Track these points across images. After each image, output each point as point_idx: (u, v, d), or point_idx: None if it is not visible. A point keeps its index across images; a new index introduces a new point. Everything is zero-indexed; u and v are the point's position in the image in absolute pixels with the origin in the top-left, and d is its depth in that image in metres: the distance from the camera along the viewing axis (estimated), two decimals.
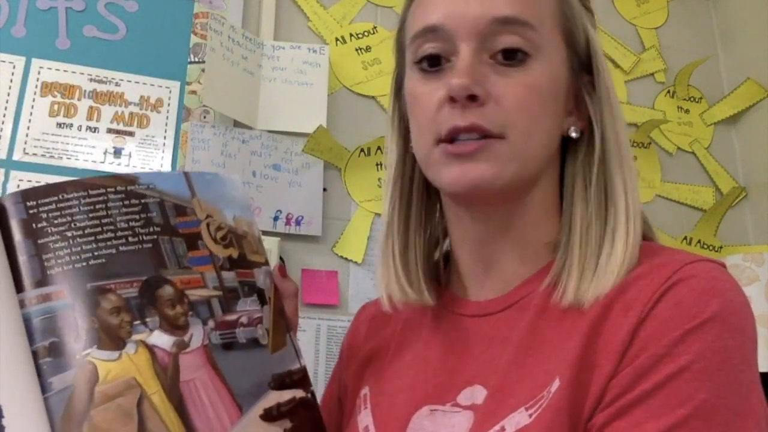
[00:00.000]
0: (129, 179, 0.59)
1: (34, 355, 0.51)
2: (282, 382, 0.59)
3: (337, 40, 1.60)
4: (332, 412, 0.74)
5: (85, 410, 0.50)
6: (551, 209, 0.62)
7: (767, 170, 1.65)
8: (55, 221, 0.55)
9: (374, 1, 1.65)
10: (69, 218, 0.55)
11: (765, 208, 1.67)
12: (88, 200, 0.56)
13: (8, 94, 1.33)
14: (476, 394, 0.56)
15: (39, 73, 1.36)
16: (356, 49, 1.61)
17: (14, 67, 1.35)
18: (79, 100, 1.37)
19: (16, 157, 1.31)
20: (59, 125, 1.35)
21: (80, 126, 1.36)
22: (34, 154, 1.32)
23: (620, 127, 0.60)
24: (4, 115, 1.32)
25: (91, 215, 0.56)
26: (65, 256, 0.54)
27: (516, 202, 0.60)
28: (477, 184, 0.56)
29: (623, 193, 0.58)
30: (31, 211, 0.55)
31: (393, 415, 0.61)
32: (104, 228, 0.56)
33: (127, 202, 0.58)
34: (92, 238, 0.55)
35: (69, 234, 0.55)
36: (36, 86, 1.35)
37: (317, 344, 1.40)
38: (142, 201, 0.58)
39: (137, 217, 0.58)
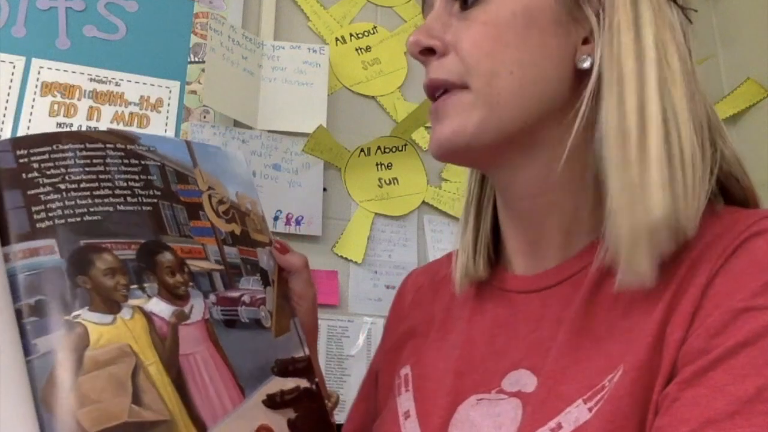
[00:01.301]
0: (129, 138, 0.55)
1: (18, 314, 0.46)
2: (285, 368, 0.55)
3: (337, 40, 1.60)
4: (370, 390, 0.70)
5: (73, 377, 0.44)
6: (592, 166, 0.52)
7: (767, 170, 1.65)
8: (48, 172, 0.50)
9: (374, 1, 1.65)
10: (63, 170, 0.51)
11: (765, 208, 1.66)
12: (84, 153, 0.52)
13: (8, 94, 1.33)
14: (523, 379, 0.51)
15: (39, 73, 1.36)
16: (356, 49, 1.61)
17: (14, 67, 1.35)
18: (79, 100, 1.37)
19: None
20: (59, 125, 1.35)
21: (80, 126, 1.36)
22: None
23: (642, 51, 0.49)
24: (4, 115, 1.32)
25: (87, 169, 0.52)
26: (57, 210, 0.49)
27: (521, 157, 0.53)
28: (441, 144, 0.53)
29: (655, 132, 0.47)
30: (21, 160, 0.50)
31: (438, 402, 0.55)
32: (101, 184, 0.51)
33: (126, 161, 0.53)
34: (88, 193, 0.51)
35: (62, 186, 0.50)
36: (36, 86, 1.35)
37: (317, 344, 1.40)
38: (143, 162, 0.54)
39: (137, 177, 0.53)
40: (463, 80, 0.52)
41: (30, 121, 1.33)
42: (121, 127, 1.39)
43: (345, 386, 1.38)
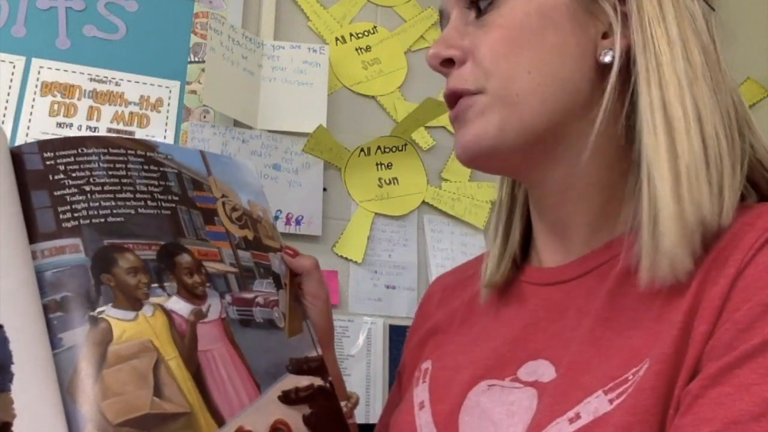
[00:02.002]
0: (149, 145, 0.57)
1: (44, 309, 0.47)
2: (300, 367, 0.57)
3: (337, 39, 1.60)
4: (395, 393, 0.70)
5: (97, 370, 0.46)
6: (619, 160, 0.52)
7: None
8: (73, 174, 0.52)
9: (374, 1, 1.65)
10: (88, 173, 0.53)
11: None
12: (108, 158, 0.54)
13: (8, 94, 1.33)
14: (541, 369, 0.50)
15: (39, 72, 1.36)
16: (356, 49, 1.61)
17: (14, 67, 1.35)
18: (79, 99, 1.37)
19: None
20: (59, 125, 1.35)
21: (80, 126, 1.36)
22: None
23: (671, 38, 0.48)
24: (4, 115, 1.32)
25: (110, 173, 0.54)
26: (82, 210, 0.51)
27: (547, 156, 0.53)
28: (465, 147, 0.53)
29: (683, 122, 0.46)
30: (47, 162, 0.52)
31: (451, 391, 0.55)
32: (123, 188, 0.54)
33: (146, 167, 0.56)
34: (111, 195, 0.53)
35: (87, 188, 0.52)
36: (36, 86, 1.35)
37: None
38: (161, 169, 0.57)
39: (156, 183, 0.56)
40: (480, 86, 0.52)
41: (30, 121, 1.33)
42: (120, 127, 1.39)
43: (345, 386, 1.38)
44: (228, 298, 0.55)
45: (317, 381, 0.57)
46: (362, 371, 1.40)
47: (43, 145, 0.53)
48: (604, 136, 0.51)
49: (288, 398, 0.54)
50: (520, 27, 0.51)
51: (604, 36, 0.52)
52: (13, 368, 0.44)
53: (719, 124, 0.48)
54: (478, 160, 0.55)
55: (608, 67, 0.51)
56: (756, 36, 1.75)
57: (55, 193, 0.51)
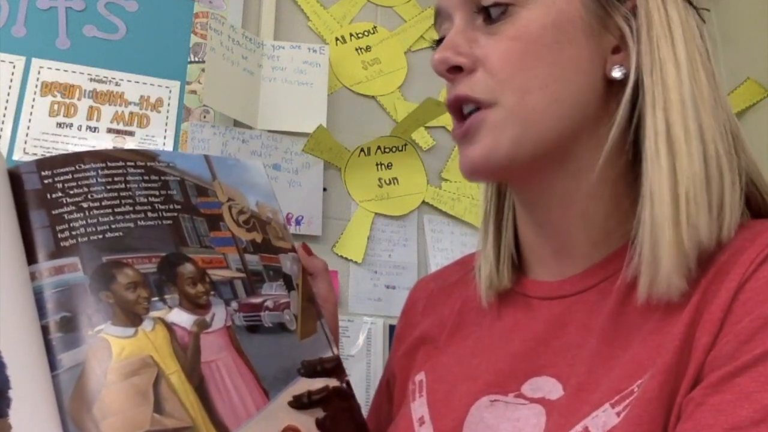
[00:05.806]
0: (149, 155, 0.57)
1: (44, 330, 0.47)
2: (313, 369, 0.55)
3: (337, 39, 1.60)
4: (381, 400, 0.70)
5: (97, 390, 0.45)
6: (622, 174, 0.53)
7: (767, 170, 1.65)
8: (71, 192, 0.52)
9: (374, 1, 1.65)
10: (86, 189, 0.52)
11: None
12: (106, 172, 0.54)
13: (8, 94, 1.33)
14: (546, 386, 0.50)
15: (39, 72, 1.36)
16: (356, 49, 1.61)
17: (14, 67, 1.35)
18: (79, 99, 1.37)
19: (16, 156, 1.31)
20: (59, 125, 1.35)
21: (80, 126, 1.36)
22: (34, 154, 1.32)
23: (678, 59, 0.48)
24: (4, 115, 1.32)
25: (108, 187, 0.53)
26: (80, 228, 0.51)
27: (554, 169, 0.53)
28: (474, 163, 0.52)
29: (684, 146, 0.47)
30: (45, 181, 0.52)
31: (451, 406, 0.55)
32: (122, 201, 0.53)
33: (146, 178, 0.55)
34: (109, 210, 0.52)
35: (85, 205, 0.52)
36: (36, 86, 1.35)
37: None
38: (162, 178, 0.56)
39: (157, 193, 0.55)
40: (493, 97, 0.51)
41: (30, 121, 1.33)
42: (121, 127, 1.39)
43: None
44: (234, 305, 0.54)
45: (332, 382, 0.56)
46: (362, 371, 1.40)
47: (41, 164, 0.53)
48: (611, 151, 0.51)
49: (299, 403, 0.53)
50: (537, 40, 0.50)
51: (614, 50, 0.52)
52: (11, 393, 0.43)
53: (719, 141, 0.48)
54: (486, 175, 0.54)
55: (615, 81, 0.51)
56: (756, 36, 1.75)
57: (53, 212, 0.51)
